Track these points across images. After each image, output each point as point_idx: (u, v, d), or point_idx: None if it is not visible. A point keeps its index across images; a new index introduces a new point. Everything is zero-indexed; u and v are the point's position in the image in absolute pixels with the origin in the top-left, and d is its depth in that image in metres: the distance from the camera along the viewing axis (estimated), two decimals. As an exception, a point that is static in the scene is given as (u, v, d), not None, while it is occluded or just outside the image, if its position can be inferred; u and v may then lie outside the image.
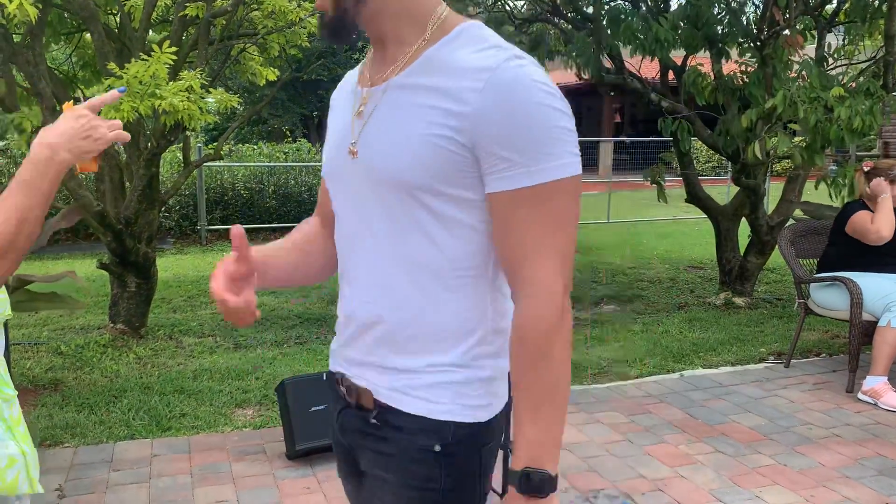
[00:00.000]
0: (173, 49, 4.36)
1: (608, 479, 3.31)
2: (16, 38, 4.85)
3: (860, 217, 4.42)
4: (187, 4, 5.16)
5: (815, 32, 6.07)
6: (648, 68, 6.61)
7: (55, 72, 5.82)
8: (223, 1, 5.36)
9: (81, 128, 1.33)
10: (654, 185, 6.64)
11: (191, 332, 5.71)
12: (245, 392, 4.37)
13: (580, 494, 3.17)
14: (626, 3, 6.61)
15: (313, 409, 3.46)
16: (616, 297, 7.05)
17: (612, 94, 23.10)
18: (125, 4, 5.50)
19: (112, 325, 5.41)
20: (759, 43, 5.70)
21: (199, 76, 4.38)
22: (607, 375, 4.75)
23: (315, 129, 26.76)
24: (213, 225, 11.19)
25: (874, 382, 4.18)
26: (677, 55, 6.22)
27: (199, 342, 5.44)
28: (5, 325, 2.72)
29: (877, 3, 5.81)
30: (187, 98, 4.25)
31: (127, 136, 1.42)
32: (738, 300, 6.52)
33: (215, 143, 5.91)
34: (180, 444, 3.67)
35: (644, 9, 6.27)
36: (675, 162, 6.88)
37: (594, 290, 7.29)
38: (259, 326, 5.94)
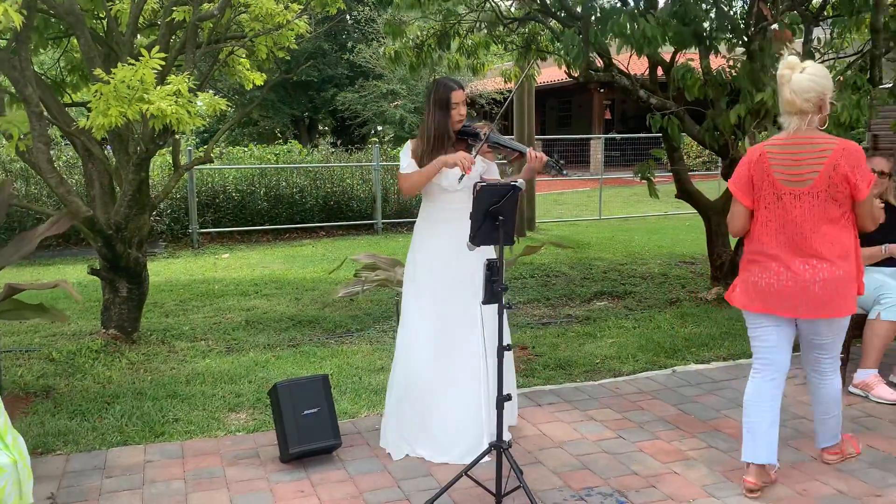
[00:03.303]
0: (162, 55, 4.35)
1: (601, 476, 3.32)
2: (1, 44, 4.83)
3: None
4: (174, 9, 5.14)
5: (802, 27, 6.09)
6: (637, 65, 6.61)
7: (43, 77, 5.80)
8: (210, 4, 5.34)
9: None
10: (644, 181, 6.65)
11: (183, 337, 5.70)
12: (238, 396, 4.36)
13: (574, 492, 3.18)
14: (615, 1, 6.62)
15: (306, 412, 3.46)
16: (608, 292, 7.07)
17: (601, 90, 22.96)
18: (112, 9, 5.48)
19: (104, 330, 5.39)
20: (746, 38, 5.71)
21: (186, 80, 4.37)
22: (600, 372, 4.77)
23: (306, 130, 26.68)
24: (205, 228, 11.17)
25: (865, 375, 4.20)
26: (667, 51, 6.23)
27: (192, 346, 5.43)
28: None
29: (863, -4, 5.82)
30: (175, 102, 4.23)
31: None
32: (730, 295, 6.53)
33: (206, 146, 5.90)
34: (173, 450, 3.66)
35: (632, 6, 6.27)
36: (665, 158, 6.89)
37: (586, 287, 7.30)
38: (251, 329, 5.94)
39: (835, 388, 3.27)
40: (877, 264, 4.46)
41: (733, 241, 6.72)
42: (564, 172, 3.54)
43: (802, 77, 2.97)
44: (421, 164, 3.53)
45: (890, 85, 5.91)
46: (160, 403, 4.23)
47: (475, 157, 3.45)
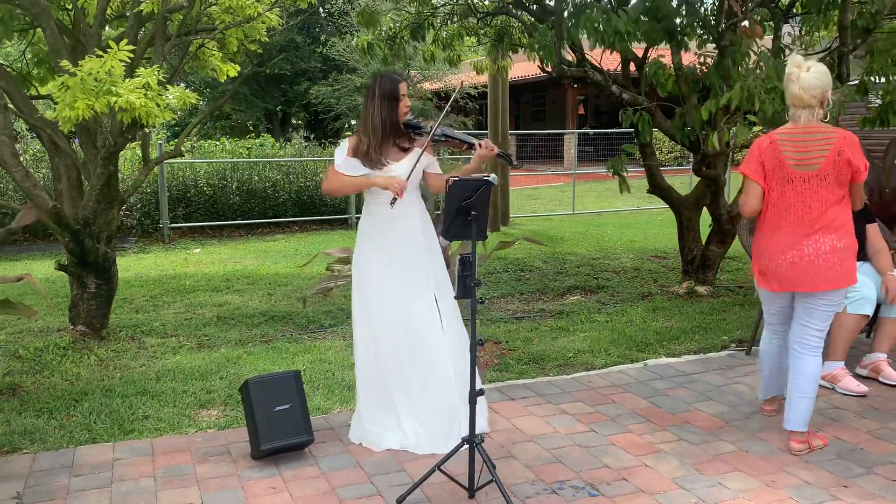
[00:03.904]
0: (130, 47, 4.28)
1: (573, 469, 3.34)
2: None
3: None
4: (142, 0, 5.07)
5: (771, 23, 6.16)
6: (610, 60, 6.65)
7: (8, 69, 5.68)
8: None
9: None
10: (617, 177, 6.70)
11: (153, 333, 5.63)
12: (209, 392, 4.32)
13: (546, 486, 3.19)
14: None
15: (278, 408, 3.44)
16: (581, 287, 7.11)
17: (574, 85, 23.07)
18: (79, -1, 5.39)
19: (72, 326, 5.31)
20: (717, 34, 5.76)
21: (156, 73, 4.31)
22: (572, 366, 4.79)
23: (279, 123, 26.48)
24: (176, 223, 11.05)
25: (832, 367, 4.26)
26: (639, 47, 6.26)
27: (162, 342, 5.36)
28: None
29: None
30: (144, 95, 4.17)
31: None
32: (701, 289, 6.61)
33: (177, 140, 5.82)
34: (143, 447, 3.62)
35: (605, 1, 6.30)
36: (638, 153, 6.94)
37: (560, 281, 7.33)
38: (223, 325, 5.88)
39: (816, 365, 3.48)
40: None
41: (704, 236, 6.80)
42: (515, 163, 3.82)
43: (810, 75, 3.33)
44: (367, 158, 3.47)
45: (857, 82, 6.01)
46: (130, 401, 4.18)
47: (416, 164, 3.45)
